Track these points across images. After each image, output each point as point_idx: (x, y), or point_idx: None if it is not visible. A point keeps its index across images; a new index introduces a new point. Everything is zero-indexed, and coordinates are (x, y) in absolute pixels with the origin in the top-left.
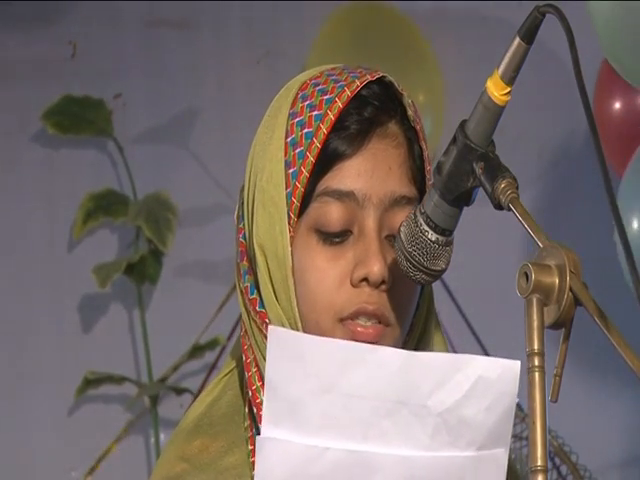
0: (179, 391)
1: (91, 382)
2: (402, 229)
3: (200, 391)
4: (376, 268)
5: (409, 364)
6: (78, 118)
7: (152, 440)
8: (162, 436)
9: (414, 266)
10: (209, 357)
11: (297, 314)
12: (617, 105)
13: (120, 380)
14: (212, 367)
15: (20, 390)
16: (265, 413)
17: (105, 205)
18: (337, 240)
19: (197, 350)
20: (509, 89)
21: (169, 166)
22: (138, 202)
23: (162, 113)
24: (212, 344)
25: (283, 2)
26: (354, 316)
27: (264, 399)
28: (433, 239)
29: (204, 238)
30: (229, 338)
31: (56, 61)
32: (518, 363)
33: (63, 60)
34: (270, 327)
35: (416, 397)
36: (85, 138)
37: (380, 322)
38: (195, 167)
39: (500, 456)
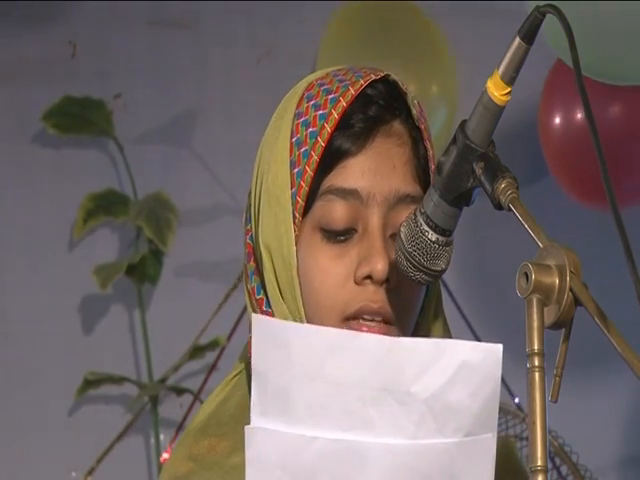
0: (179, 391)
1: (91, 382)
2: (402, 229)
3: (200, 391)
4: (380, 266)
5: (392, 350)
6: (78, 118)
7: (152, 440)
8: (162, 436)
9: (414, 266)
10: (209, 357)
11: (303, 313)
12: (558, 119)
13: (120, 380)
14: (212, 367)
15: (20, 390)
16: (254, 402)
17: (105, 205)
18: (341, 238)
19: (197, 350)
20: (509, 89)
21: (169, 166)
22: (139, 202)
23: (162, 113)
24: (212, 344)
25: (285, 1)
26: (358, 314)
27: (252, 388)
28: (433, 239)
29: (204, 238)
30: (229, 338)
31: (56, 61)
32: (500, 347)
33: (63, 60)
34: (254, 315)
35: (400, 384)
36: (86, 138)
37: (384, 321)
38: (196, 167)
39: (488, 441)
